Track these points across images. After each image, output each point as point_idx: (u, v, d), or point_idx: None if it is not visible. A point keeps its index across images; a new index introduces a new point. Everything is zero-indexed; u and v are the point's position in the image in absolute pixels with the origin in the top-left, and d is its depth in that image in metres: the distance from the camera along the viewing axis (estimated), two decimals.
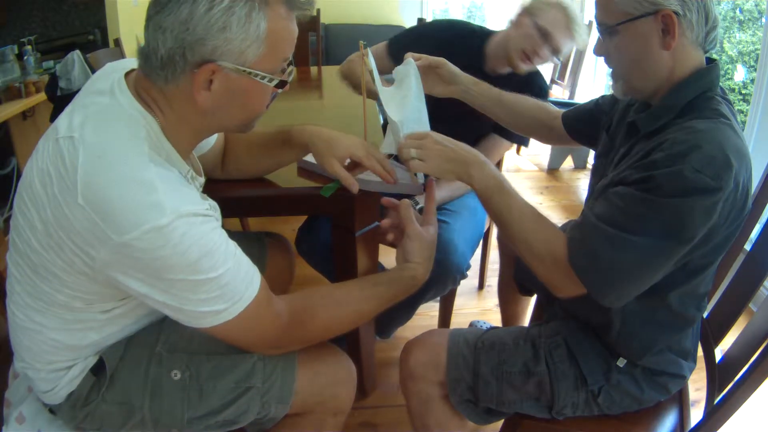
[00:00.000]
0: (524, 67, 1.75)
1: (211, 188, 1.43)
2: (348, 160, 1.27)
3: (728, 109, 1.06)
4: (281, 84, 1.00)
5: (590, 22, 3.72)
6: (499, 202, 1.16)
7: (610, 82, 1.18)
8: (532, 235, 1.12)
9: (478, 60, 1.86)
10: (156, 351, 1.12)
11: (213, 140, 1.35)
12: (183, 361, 1.12)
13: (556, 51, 1.72)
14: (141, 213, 0.85)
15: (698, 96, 1.06)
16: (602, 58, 1.15)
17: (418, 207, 1.80)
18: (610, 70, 1.16)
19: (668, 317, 1.16)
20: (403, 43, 1.86)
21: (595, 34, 1.19)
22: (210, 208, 0.97)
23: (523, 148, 3.62)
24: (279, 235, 1.69)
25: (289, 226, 3.28)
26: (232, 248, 0.98)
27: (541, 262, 1.12)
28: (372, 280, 1.21)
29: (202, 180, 1.15)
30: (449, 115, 1.72)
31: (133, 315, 1.10)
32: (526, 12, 1.75)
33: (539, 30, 1.69)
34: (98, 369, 1.10)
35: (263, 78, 0.96)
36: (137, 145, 0.92)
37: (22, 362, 1.09)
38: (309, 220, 1.99)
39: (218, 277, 0.93)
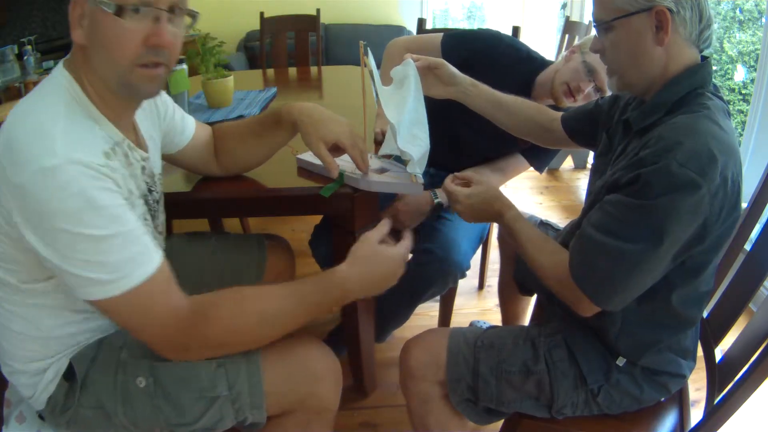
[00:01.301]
0: (567, 102, 1.75)
1: (212, 188, 1.44)
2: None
3: (719, 105, 1.07)
4: (119, 11, 0.93)
5: (590, 23, 3.72)
6: (514, 236, 1.25)
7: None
8: (541, 262, 1.19)
9: (527, 86, 1.86)
10: (121, 357, 1.11)
11: (189, 134, 1.36)
12: (146, 367, 1.10)
13: (599, 90, 1.72)
14: (33, 155, 0.87)
15: (689, 93, 1.07)
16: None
17: (437, 201, 1.81)
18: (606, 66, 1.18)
19: (669, 317, 1.16)
20: (459, 50, 1.84)
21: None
22: (109, 168, 0.94)
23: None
24: (278, 236, 1.68)
25: (289, 227, 3.30)
26: (130, 221, 0.95)
27: (549, 285, 1.18)
28: (299, 279, 1.13)
29: (144, 154, 1.13)
30: (447, 116, 1.73)
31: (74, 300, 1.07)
32: (577, 48, 1.76)
33: (586, 66, 1.69)
34: (71, 374, 1.09)
35: (101, 4, 0.92)
36: (54, 104, 0.95)
37: (5, 366, 1.10)
38: (324, 220, 1.98)
39: (100, 239, 0.90)
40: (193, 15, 1.04)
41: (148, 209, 1.12)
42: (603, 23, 1.10)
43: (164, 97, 1.32)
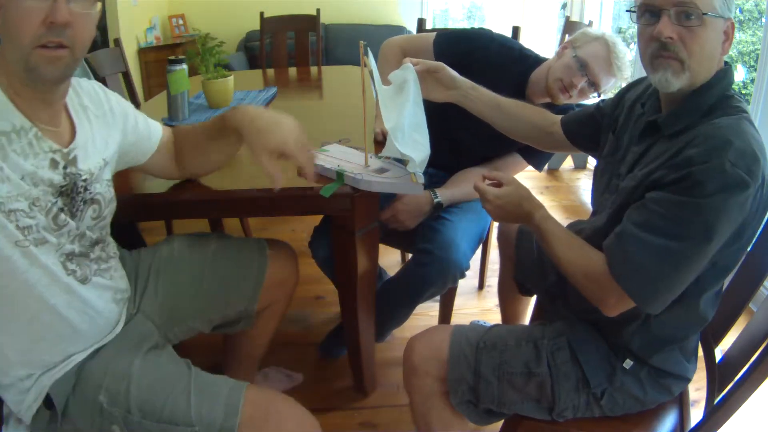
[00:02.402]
0: (562, 98, 1.75)
1: (210, 189, 1.44)
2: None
3: (746, 105, 1.09)
4: None
5: (590, 22, 3.72)
6: (543, 235, 1.23)
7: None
8: (569, 258, 1.17)
9: (522, 85, 1.85)
10: (99, 399, 1.10)
11: (156, 139, 1.34)
12: (120, 417, 1.10)
13: (594, 84, 1.71)
14: None
15: (720, 96, 1.08)
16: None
17: (436, 200, 1.81)
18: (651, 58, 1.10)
19: (689, 315, 1.17)
20: (452, 50, 1.82)
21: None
22: None
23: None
24: (281, 242, 1.61)
25: (289, 227, 3.30)
26: None
27: (578, 283, 1.16)
28: None
29: (55, 146, 1.06)
30: (444, 118, 1.73)
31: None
32: (570, 43, 1.75)
33: (578, 61, 1.69)
34: (51, 403, 1.10)
35: None
36: None
37: None
38: (323, 222, 1.97)
39: None
40: None
41: (67, 203, 1.08)
42: (695, 10, 1.03)
43: (124, 106, 1.28)
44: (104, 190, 1.18)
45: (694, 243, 1.01)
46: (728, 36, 1.07)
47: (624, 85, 1.46)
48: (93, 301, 1.14)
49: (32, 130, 1.02)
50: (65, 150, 1.08)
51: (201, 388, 1.14)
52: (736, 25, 1.10)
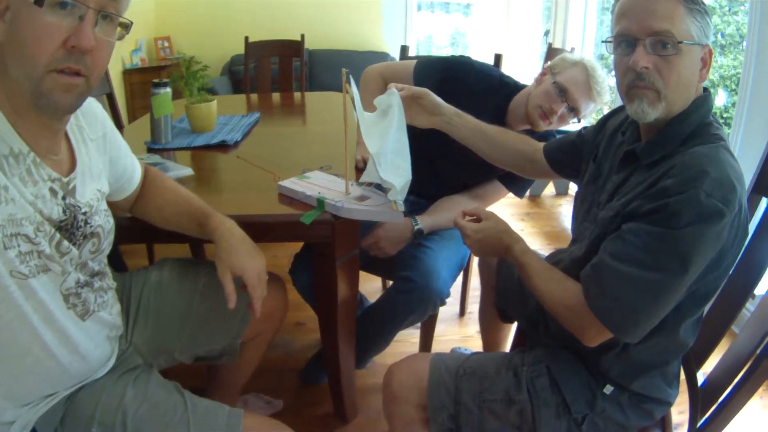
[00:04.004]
0: (543, 125, 1.76)
1: None
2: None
3: (725, 134, 1.10)
4: (39, 1, 0.84)
5: (572, 49, 3.77)
6: (522, 268, 1.24)
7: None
8: (548, 291, 1.18)
9: (501, 112, 1.87)
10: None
11: (135, 183, 1.33)
12: None
13: (573, 110, 1.72)
14: None
15: (699, 123, 1.09)
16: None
17: (417, 227, 1.81)
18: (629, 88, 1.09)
19: (669, 342, 1.17)
20: (431, 77, 1.82)
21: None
22: None
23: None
24: (271, 273, 1.47)
25: (271, 252, 3.25)
26: None
27: (558, 314, 1.16)
28: None
29: (54, 174, 1.01)
30: (426, 145, 1.74)
31: None
32: (548, 69, 1.77)
33: (557, 87, 1.70)
34: None
35: None
36: None
37: None
38: (304, 249, 1.95)
39: None
40: (127, 25, 0.96)
41: (66, 237, 1.03)
42: (670, 39, 1.03)
43: (118, 140, 1.25)
44: (103, 222, 1.14)
45: (671, 274, 1.01)
46: (706, 63, 1.08)
47: (605, 110, 1.48)
48: (85, 343, 1.10)
49: (30, 155, 0.96)
50: (65, 179, 1.04)
51: (199, 417, 1.12)
52: (717, 50, 1.11)
